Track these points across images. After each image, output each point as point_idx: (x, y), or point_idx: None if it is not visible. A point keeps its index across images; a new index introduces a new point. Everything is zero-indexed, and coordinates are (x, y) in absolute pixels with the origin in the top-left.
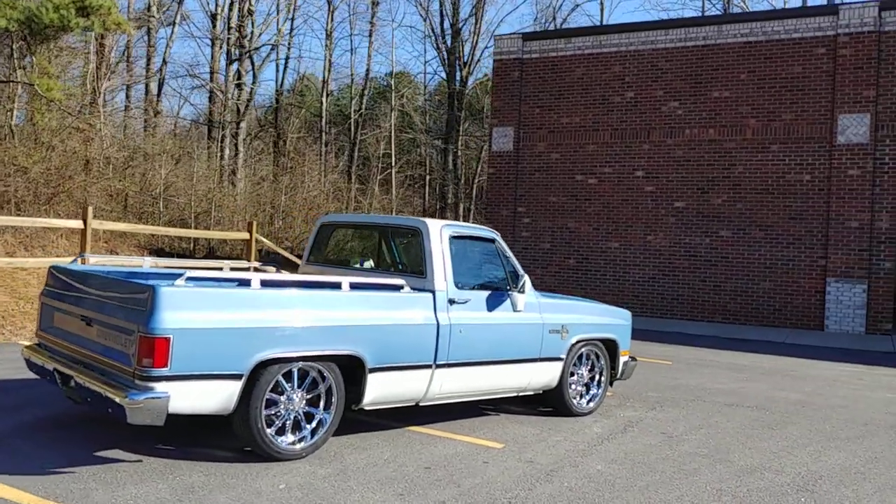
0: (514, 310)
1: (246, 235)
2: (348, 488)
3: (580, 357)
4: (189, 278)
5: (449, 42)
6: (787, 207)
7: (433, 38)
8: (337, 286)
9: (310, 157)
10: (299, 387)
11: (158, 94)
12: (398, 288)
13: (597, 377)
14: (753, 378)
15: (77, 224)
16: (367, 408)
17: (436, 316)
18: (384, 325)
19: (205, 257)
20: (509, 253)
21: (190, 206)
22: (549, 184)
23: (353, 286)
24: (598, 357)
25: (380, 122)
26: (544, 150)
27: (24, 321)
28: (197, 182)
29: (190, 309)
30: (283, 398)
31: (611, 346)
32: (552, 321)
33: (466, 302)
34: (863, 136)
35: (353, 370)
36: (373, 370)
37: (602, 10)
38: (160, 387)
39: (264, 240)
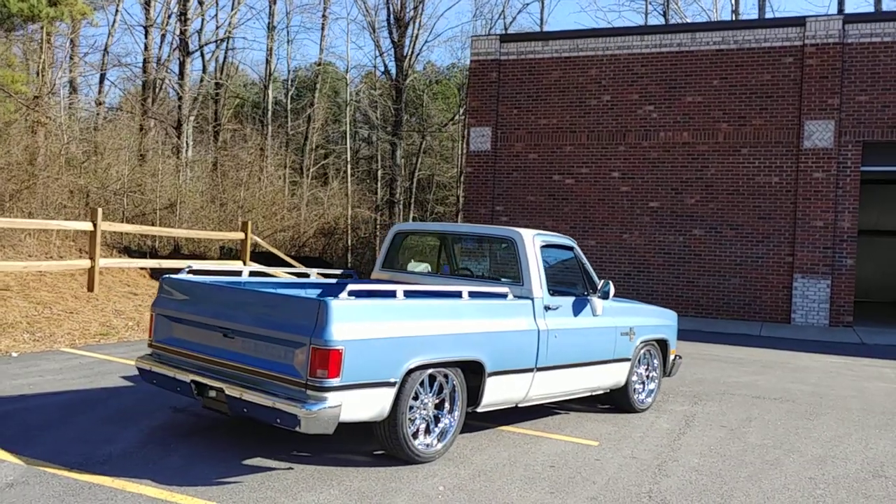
0: (594, 314)
1: (241, 235)
2: (501, 488)
3: (640, 357)
4: (351, 292)
5: (396, 36)
6: (757, 207)
7: (372, 30)
8: (458, 295)
9: (267, 153)
10: (429, 392)
11: (100, 86)
12: (503, 296)
13: (652, 375)
14: (759, 371)
15: (87, 226)
16: (480, 410)
17: (535, 322)
18: (499, 331)
19: (170, 255)
20: (584, 259)
21: (155, 201)
22: (526, 183)
23: (472, 295)
24: (653, 356)
25: (331, 115)
26: (522, 151)
27: (51, 327)
28: (160, 177)
29: (356, 321)
30: (417, 403)
31: (663, 346)
32: (622, 324)
33: (558, 308)
34: (827, 141)
35: (471, 375)
36: (490, 374)
37: (542, 10)
38: (333, 397)
39: (259, 240)
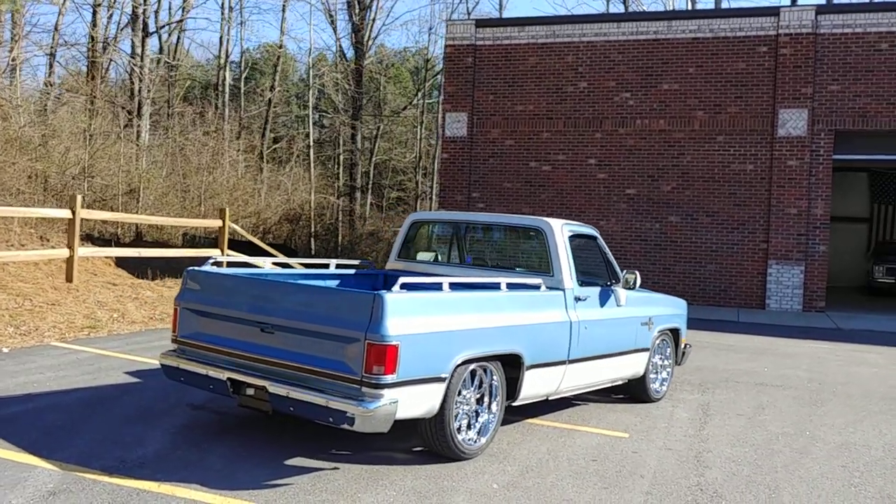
0: (618, 304)
1: (219, 223)
2: (554, 485)
3: (657, 346)
4: (403, 285)
5: (357, 19)
6: (732, 195)
7: (330, 16)
8: (496, 286)
9: (226, 136)
10: (471, 387)
11: (50, 68)
12: (536, 287)
13: (665, 364)
14: (753, 358)
15: (66, 214)
16: (516, 404)
17: (567, 313)
18: (536, 323)
19: (131, 243)
20: (606, 248)
21: (116, 186)
22: (503, 170)
23: (509, 287)
24: (667, 345)
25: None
26: (498, 137)
27: (35, 320)
28: (122, 161)
29: (409, 315)
30: (460, 398)
31: (675, 335)
32: (642, 314)
33: (587, 299)
34: (801, 129)
35: (508, 368)
36: (529, 367)
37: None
38: (389, 394)
39: (237, 227)
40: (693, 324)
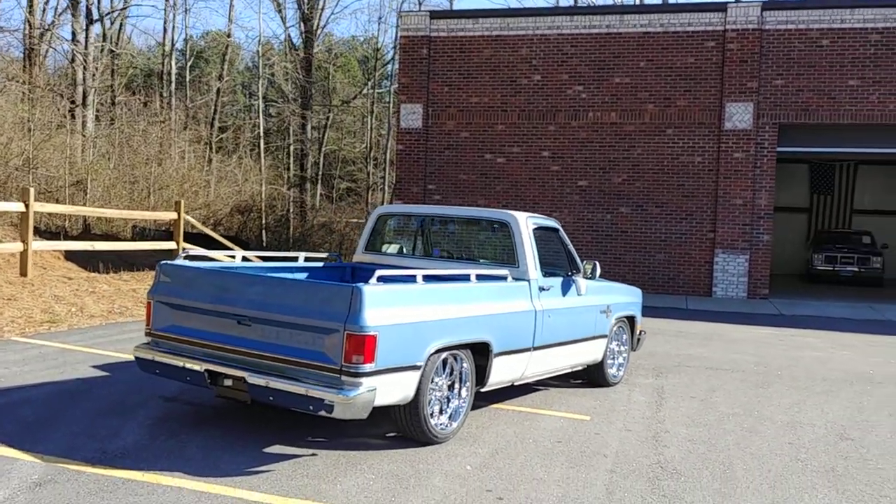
0: (579, 294)
1: (174, 215)
2: (524, 465)
3: (614, 333)
4: (380, 277)
5: (306, 8)
6: (681, 186)
7: (277, 5)
8: (466, 278)
9: (173, 127)
10: (443, 374)
11: None
12: (503, 278)
13: (622, 350)
14: (702, 343)
15: (19, 207)
16: (485, 389)
17: (532, 303)
18: (503, 313)
19: (80, 236)
20: (568, 240)
21: (63, 178)
22: (458, 162)
23: (478, 278)
24: (623, 332)
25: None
26: (454, 129)
27: None
28: (68, 152)
29: (386, 306)
30: (433, 385)
31: (631, 322)
32: (601, 302)
33: (550, 288)
34: (747, 122)
35: (477, 356)
36: (497, 355)
37: None
38: (368, 382)
39: (193, 220)
40: (644, 311)
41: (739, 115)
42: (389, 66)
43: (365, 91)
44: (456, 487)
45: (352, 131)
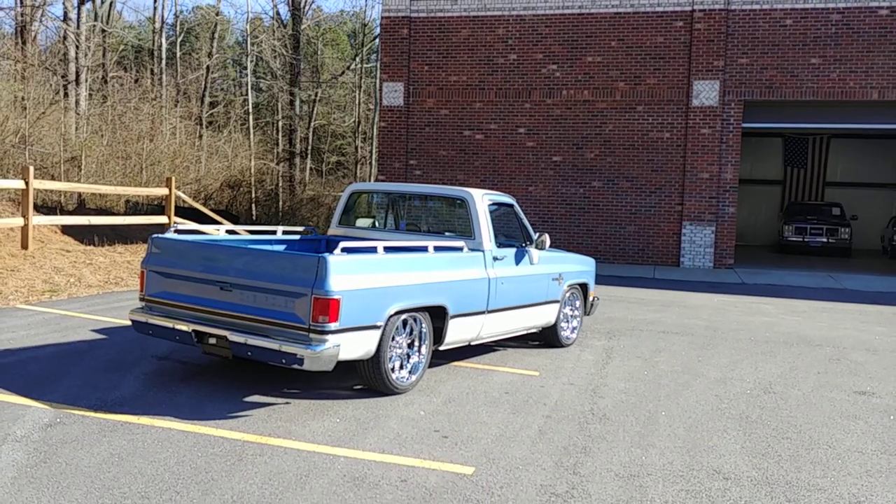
0: (531, 263)
1: (165, 191)
2: (471, 411)
3: (567, 299)
4: (344, 248)
5: None
6: (650, 161)
7: None
8: (425, 249)
9: (164, 103)
10: (403, 333)
11: None
12: (460, 249)
13: (575, 314)
14: (660, 310)
15: (19, 185)
16: (442, 348)
17: (486, 271)
18: (459, 280)
19: (75, 211)
20: (522, 214)
21: (58, 154)
22: (438, 138)
23: (436, 249)
24: (576, 298)
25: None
26: (434, 106)
27: None
28: (63, 129)
29: (349, 273)
30: (394, 343)
31: (584, 289)
32: (553, 271)
33: (503, 258)
34: (713, 100)
35: (435, 318)
36: (452, 317)
37: None
38: (332, 339)
39: (184, 195)
40: (611, 280)
41: (706, 92)
42: (377, 41)
43: (353, 66)
44: (408, 429)
45: (341, 105)
